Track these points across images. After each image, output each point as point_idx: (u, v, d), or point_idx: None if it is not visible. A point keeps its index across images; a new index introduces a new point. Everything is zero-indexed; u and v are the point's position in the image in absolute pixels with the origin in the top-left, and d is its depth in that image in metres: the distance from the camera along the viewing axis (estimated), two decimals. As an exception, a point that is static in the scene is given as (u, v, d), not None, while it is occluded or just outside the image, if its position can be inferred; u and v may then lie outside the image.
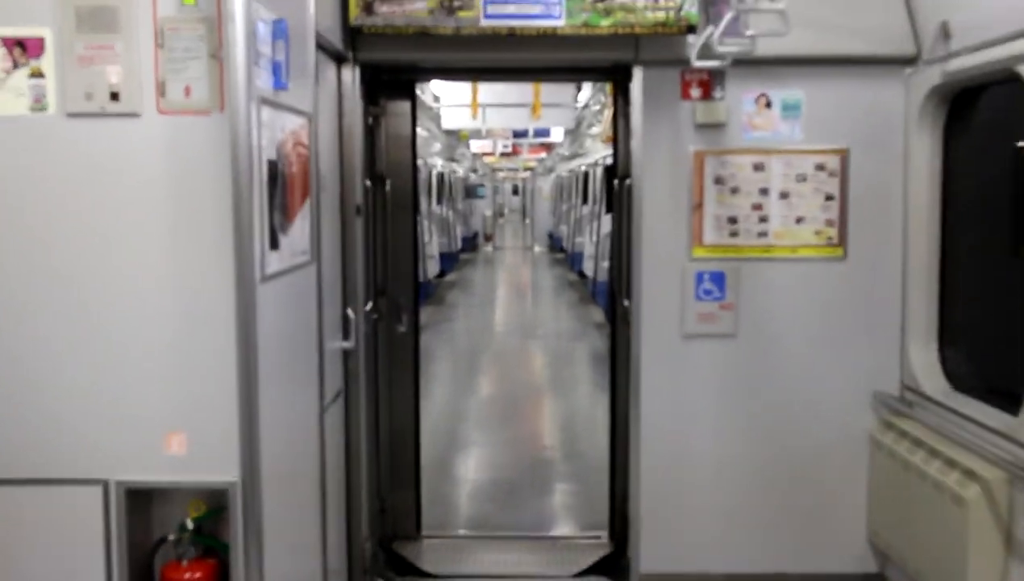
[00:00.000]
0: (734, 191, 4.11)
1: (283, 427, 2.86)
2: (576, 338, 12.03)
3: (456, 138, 15.78)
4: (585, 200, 18.59)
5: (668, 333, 4.17)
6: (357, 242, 3.98)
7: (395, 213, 4.83)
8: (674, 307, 4.16)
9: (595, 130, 11.85)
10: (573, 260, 16.48)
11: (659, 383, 4.19)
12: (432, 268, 14.09)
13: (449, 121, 10.61)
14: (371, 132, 4.76)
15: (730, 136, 4.10)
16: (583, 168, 16.86)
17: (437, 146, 13.31)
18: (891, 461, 3.92)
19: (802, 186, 4.10)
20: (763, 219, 4.12)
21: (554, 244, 25.29)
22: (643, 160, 4.12)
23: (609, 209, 13.94)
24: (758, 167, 4.10)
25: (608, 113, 9.74)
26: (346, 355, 3.91)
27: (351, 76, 3.95)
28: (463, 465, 6.66)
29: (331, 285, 3.66)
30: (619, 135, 4.74)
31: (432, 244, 14.00)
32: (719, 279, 4.14)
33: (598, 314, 12.55)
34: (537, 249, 28.03)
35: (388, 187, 4.77)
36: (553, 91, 10.47)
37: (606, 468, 4.84)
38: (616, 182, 4.73)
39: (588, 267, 14.13)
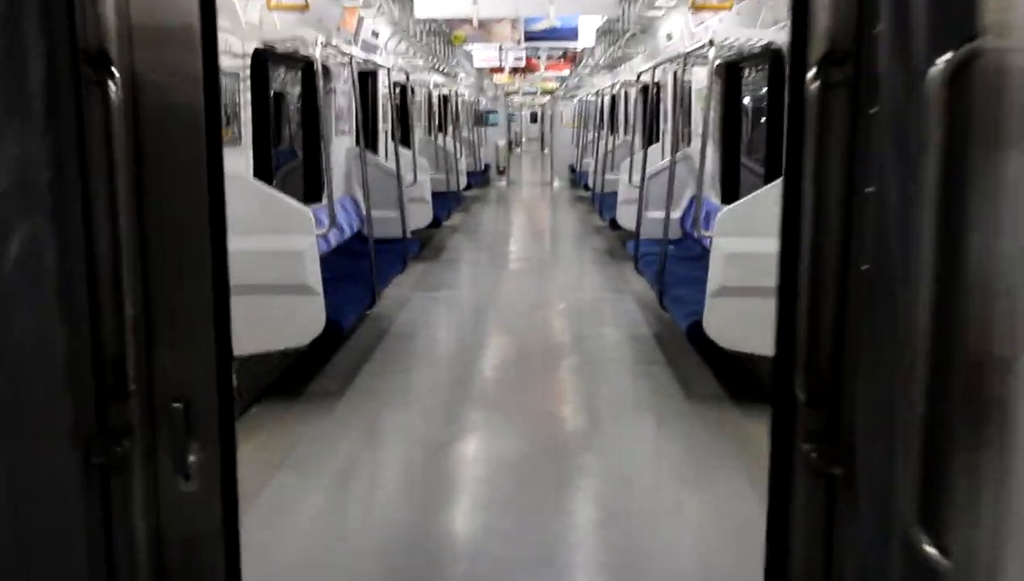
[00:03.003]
0: None
1: None
2: (618, 322, 8.82)
3: (447, 43, 12.34)
4: (614, 127, 15.27)
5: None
6: None
7: (157, 163, 1.68)
8: None
9: (659, 5, 8.11)
10: (602, 204, 13.19)
11: None
12: (422, 217, 10.91)
13: (426, 8, 7.21)
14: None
15: None
16: (617, 87, 13.50)
17: (401, 48, 9.90)
18: None
19: None
20: None
21: (576, 179, 21.96)
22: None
23: (651, 140, 10.64)
24: None
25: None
26: None
27: None
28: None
29: None
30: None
31: (422, 185, 10.79)
32: None
33: (638, 281, 9.29)
34: (557, 184, 24.66)
35: (116, 89, 1.60)
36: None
37: None
38: (813, 76, 1.55)
39: (624, 216, 10.88)
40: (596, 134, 15.21)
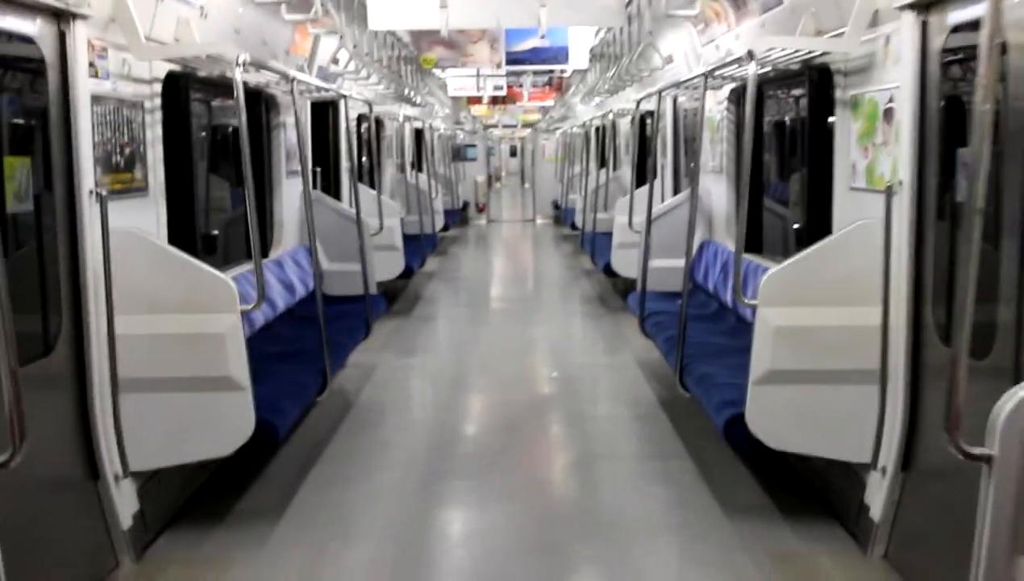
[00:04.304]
0: None
1: None
2: (620, 396, 7.56)
3: (418, 70, 11.02)
4: (603, 162, 13.98)
5: None
6: None
7: None
8: None
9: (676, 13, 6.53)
10: (593, 247, 11.88)
11: None
12: (392, 267, 9.59)
13: (382, 18, 5.87)
14: None
15: None
16: (611, 116, 12.24)
17: (363, 75, 8.52)
18: None
19: None
20: None
21: (561, 216, 20.69)
22: None
23: (642, 181, 9.29)
24: None
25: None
26: None
27: None
28: None
29: None
30: None
31: (392, 231, 9.47)
32: None
33: (637, 337, 7.90)
34: (540, 221, 23.43)
35: None
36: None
37: None
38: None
39: (620, 262, 9.62)
40: (584, 169, 13.97)
